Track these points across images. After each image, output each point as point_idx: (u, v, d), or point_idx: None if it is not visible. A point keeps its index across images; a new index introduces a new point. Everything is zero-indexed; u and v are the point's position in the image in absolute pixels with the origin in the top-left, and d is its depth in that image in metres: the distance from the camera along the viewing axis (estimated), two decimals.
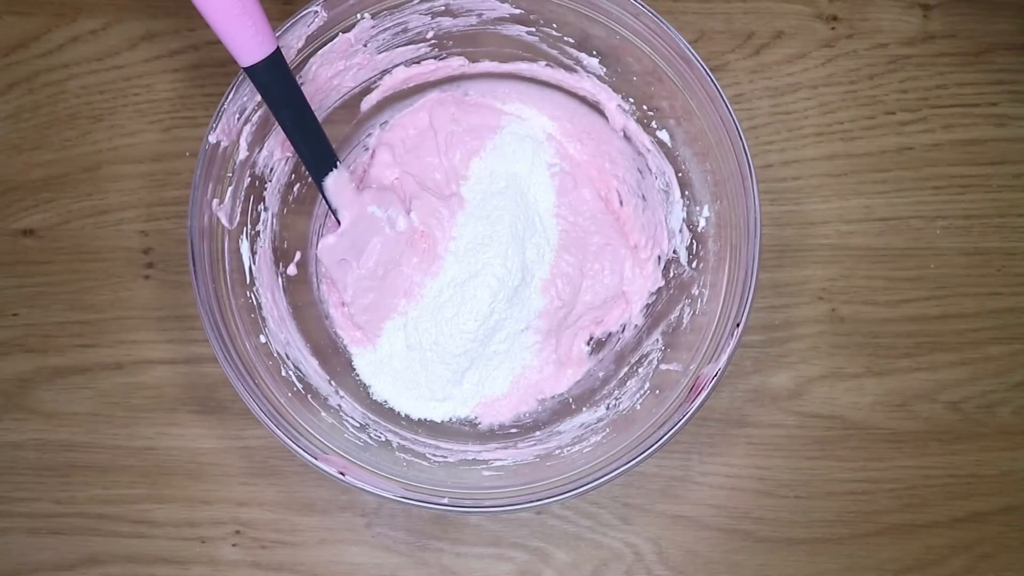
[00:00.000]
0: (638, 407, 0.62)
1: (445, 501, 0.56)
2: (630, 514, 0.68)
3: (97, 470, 0.69)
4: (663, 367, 0.63)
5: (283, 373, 0.62)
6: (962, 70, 0.73)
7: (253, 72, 0.54)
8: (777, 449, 0.69)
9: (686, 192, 0.65)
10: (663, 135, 0.65)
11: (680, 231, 0.66)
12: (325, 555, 0.68)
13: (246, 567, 0.68)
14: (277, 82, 0.55)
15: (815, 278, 0.71)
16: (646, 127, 0.66)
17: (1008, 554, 0.68)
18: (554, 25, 0.64)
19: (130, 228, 0.71)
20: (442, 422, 0.67)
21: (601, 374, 0.68)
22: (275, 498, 0.68)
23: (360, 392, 0.67)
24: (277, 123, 0.59)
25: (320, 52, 0.62)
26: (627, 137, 0.68)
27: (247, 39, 0.52)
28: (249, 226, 0.63)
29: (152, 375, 0.69)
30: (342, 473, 0.56)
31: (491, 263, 0.66)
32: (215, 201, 0.59)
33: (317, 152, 0.60)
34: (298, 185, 0.67)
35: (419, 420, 0.67)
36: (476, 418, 0.67)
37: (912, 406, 0.70)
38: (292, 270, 0.67)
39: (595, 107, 0.68)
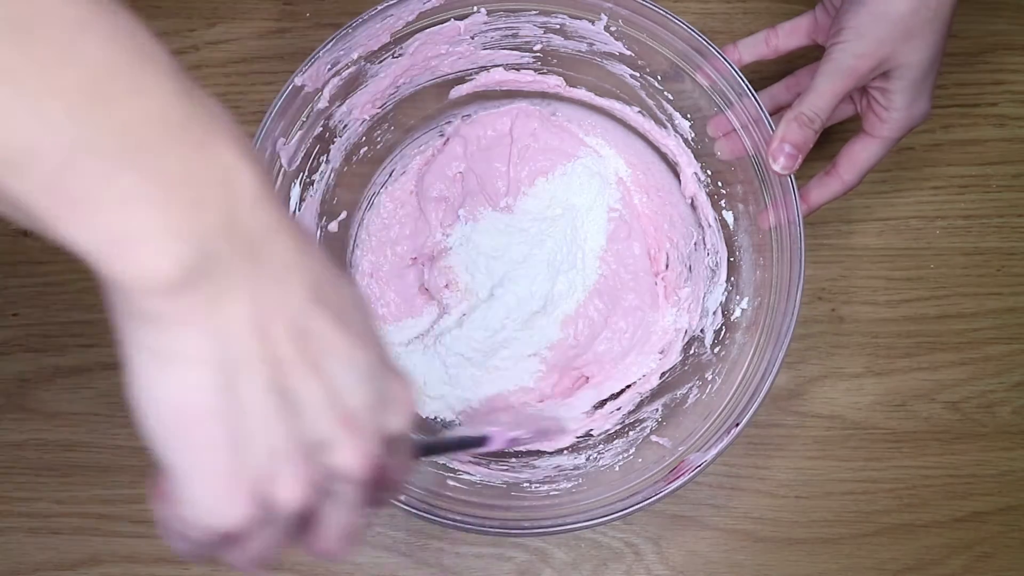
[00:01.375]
0: (616, 468, 0.62)
1: (402, 499, 0.56)
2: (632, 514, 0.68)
3: (97, 470, 0.68)
4: (653, 438, 0.63)
5: None
6: (962, 70, 0.73)
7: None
8: (777, 449, 0.69)
9: (732, 278, 0.65)
10: (728, 215, 0.65)
11: (714, 313, 0.66)
12: None
13: None
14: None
15: (815, 278, 0.71)
16: (714, 203, 0.66)
17: (1008, 554, 0.68)
18: (659, 77, 0.64)
19: None
20: (426, 419, 0.67)
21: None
22: None
23: None
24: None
25: (427, 31, 0.62)
26: (693, 206, 0.68)
27: None
28: (306, 173, 0.63)
29: None
30: None
31: (517, 282, 0.65)
32: (281, 139, 0.59)
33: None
34: (366, 148, 0.67)
35: None
36: (459, 424, 0.67)
37: (912, 406, 0.70)
38: (334, 227, 0.67)
39: (672, 167, 0.69)
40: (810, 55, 0.64)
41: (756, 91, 0.60)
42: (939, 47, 0.57)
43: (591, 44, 0.65)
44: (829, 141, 0.69)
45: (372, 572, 0.68)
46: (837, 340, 0.70)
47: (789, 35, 0.64)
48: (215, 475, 0.31)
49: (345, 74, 0.61)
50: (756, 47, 0.64)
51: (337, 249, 0.68)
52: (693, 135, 0.66)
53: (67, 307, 0.70)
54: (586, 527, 0.56)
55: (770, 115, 0.59)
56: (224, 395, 0.30)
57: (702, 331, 0.66)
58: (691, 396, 0.64)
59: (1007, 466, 0.69)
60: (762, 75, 0.69)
